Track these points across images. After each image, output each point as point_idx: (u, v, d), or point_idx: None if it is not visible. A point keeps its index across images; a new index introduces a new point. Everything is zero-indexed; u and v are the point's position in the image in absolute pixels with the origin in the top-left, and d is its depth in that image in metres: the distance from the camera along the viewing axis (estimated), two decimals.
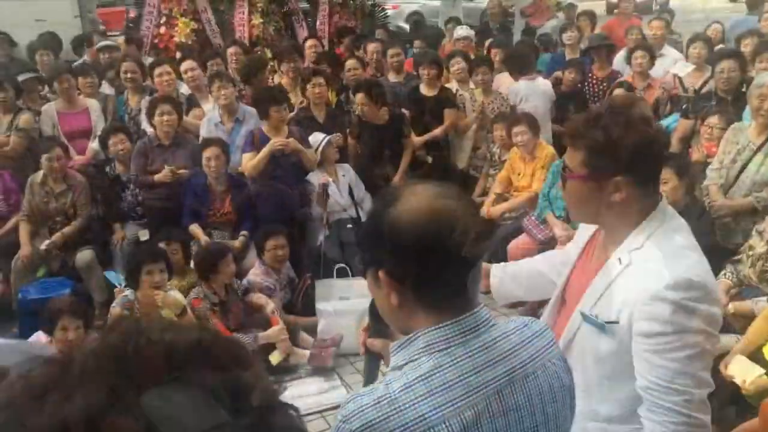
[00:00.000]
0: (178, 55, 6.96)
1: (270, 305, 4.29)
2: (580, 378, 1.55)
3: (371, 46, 6.83)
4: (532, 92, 6.08)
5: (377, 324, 1.43)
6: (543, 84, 6.25)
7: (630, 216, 1.65)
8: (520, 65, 6.31)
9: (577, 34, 7.54)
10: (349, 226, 5.06)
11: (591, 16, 8.66)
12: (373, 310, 1.39)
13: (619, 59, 7.11)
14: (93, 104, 5.70)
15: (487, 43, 7.67)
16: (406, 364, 1.19)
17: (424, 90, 5.90)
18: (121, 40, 7.06)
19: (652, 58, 6.13)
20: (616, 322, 1.61)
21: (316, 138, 5.11)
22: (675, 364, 1.52)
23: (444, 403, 1.13)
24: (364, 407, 1.14)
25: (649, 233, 1.63)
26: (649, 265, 1.59)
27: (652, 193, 1.67)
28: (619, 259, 1.65)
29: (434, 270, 1.17)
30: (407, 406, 1.12)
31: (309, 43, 7.04)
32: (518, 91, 6.11)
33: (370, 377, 1.52)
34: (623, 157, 1.57)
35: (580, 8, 9.70)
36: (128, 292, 3.91)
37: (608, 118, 1.60)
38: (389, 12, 10.41)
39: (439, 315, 1.19)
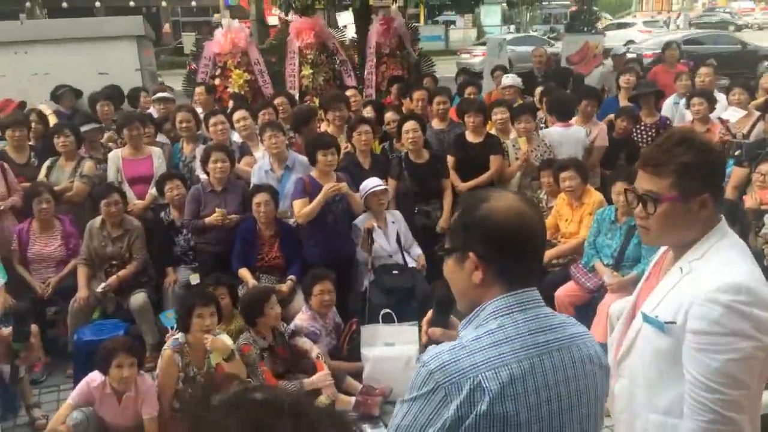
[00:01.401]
0: (230, 104, 7.22)
1: (315, 350, 4.31)
2: (641, 373, 1.84)
3: (417, 94, 6.98)
4: (565, 139, 6.13)
5: (439, 315, 1.74)
6: (576, 131, 6.27)
7: (699, 230, 1.80)
8: (562, 111, 6.37)
9: (634, 78, 7.55)
10: (395, 272, 5.07)
11: (639, 62, 8.68)
12: (440, 302, 1.73)
13: (667, 105, 7.10)
14: (156, 152, 5.93)
15: (538, 91, 7.72)
16: (476, 328, 1.46)
17: (470, 137, 5.97)
18: (200, 89, 7.36)
19: (711, 103, 6.11)
20: (674, 322, 1.75)
21: (367, 185, 5.19)
22: (716, 364, 1.65)
23: (507, 351, 1.40)
24: (440, 352, 1.41)
25: (709, 246, 1.79)
26: (707, 272, 1.74)
27: (719, 209, 1.83)
28: (681, 268, 1.81)
29: (515, 254, 1.46)
30: (476, 351, 1.40)
31: (349, 92, 7.26)
32: (551, 136, 6.15)
33: None
34: (709, 175, 1.77)
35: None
36: (179, 335, 4.00)
37: (690, 142, 1.77)
38: (477, 59, 10.61)
39: (508, 288, 1.47)
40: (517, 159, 5.96)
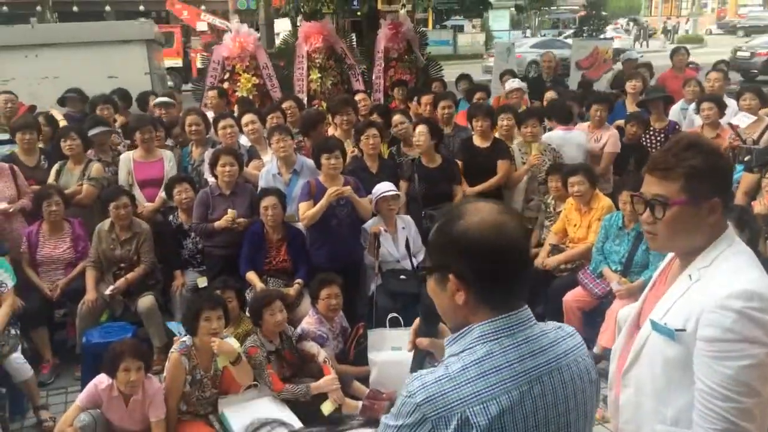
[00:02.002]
0: (236, 108, 7.24)
1: (322, 354, 4.31)
2: (649, 382, 1.80)
3: (425, 98, 6.98)
4: (565, 142, 6.17)
5: (426, 326, 1.70)
6: (578, 135, 6.29)
7: (707, 236, 1.79)
8: (560, 115, 6.45)
9: (641, 83, 7.54)
10: (403, 277, 5.06)
11: (649, 67, 8.65)
12: (425, 312, 1.67)
13: (674, 111, 7.08)
14: (168, 155, 5.96)
15: (548, 95, 7.70)
16: (462, 351, 1.40)
17: (477, 141, 5.96)
18: (212, 93, 7.40)
19: (721, 109, 6.08)
20: (683, 330, 1.72)
21: (378, 189, 5.19)
22: (730, 372, 1.62)
23: (494, 383, 1.34)
24: (426, 383, 1.35)
25: (717, 253, 1.77)
26: (716, 279, 1.72)
27: (727, 215, 1.82)
28: (690, 276, 1.79)
29: (496, 273, 1.39)
30: (464, 383, 1.34)
31: (358, 96, 7.28)
32: (552, 140, 6.17)
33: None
34: (718, 180, 1.76)
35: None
36: (186, 337, 4.00)
37: (699, 147, 1.76)
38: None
39: (495, 311, 1.41)
40: (524, 163, 5.95)
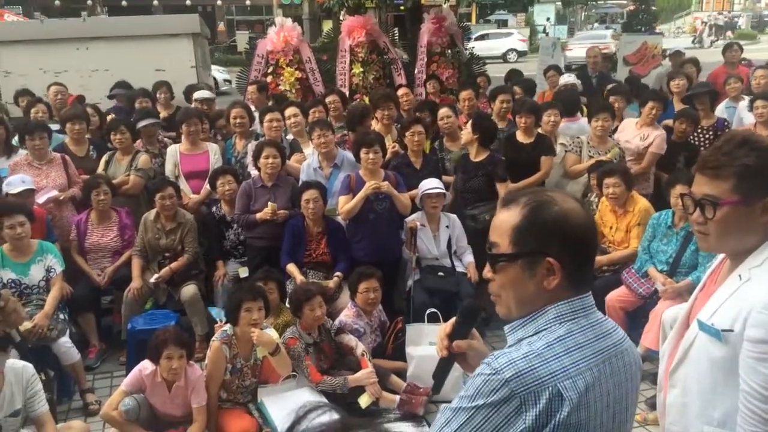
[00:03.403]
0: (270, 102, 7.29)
1: (360, 347, 4.33)
2: (695, 383, 1.77)
3: (464, 93, 6.90)
4: (571, 133, 6.19)
5: (464, 326, 1.62)
6: (582, 126, 6.30)
7: (759, 236, 1.73)
8: (566, 106, 6.46)
9: (685, 82, 7.31)
10: (441, 274, 5.04)
11: (695, 63, 8.38)
12: (467, 313, 1.63)
13: (719, 110, 6.87)
14: (213, 147, 6.06)
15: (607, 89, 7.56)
16: (537, 332, 1.42)
17: (521, 137, 5.88)
18: (252, 88, 7.49)
19: None
20: (731, 330, 1.68)
21: (423, 185, 5.17)
22: None
23: (579, 359, 1.38)
24: (514, 359, 1.35)
25: None
26: (766, 279, 1.67)
27: None
28: (740, 276, 1.74)
29: (587, 255, 1.47)
30: (551, 358, 1.36)
31: (401, 91, 7.23)
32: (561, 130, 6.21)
33: (440, 382, 1.62)
34: None
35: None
36: (227, 327, 4.07)
37: (752, 145, 1.70)
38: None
39: (576, 293, 1.45)
40: (591, 158, 5.80)
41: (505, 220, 1.46)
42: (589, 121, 6.04)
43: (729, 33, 33.89)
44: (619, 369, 1.44)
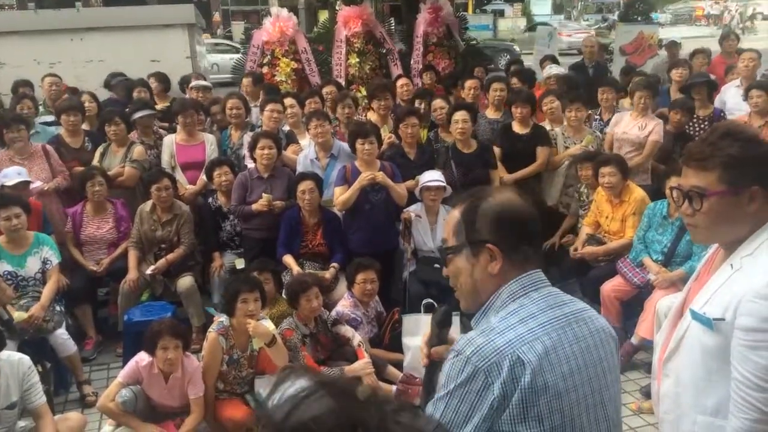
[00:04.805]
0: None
1: (356, 338, 4.34)
2: (689, 372, 1.80)
3: (469, 83, 6.87)
4: None
5: (440, 331, 1.76)
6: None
7: (749, 226, 1.75)
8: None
9: (687, 71, 7.28)
10: (437, 266, 5.05)
11: (707, 54, 8.26)
12: (438, 318, 1.76)
13: (718, 98, 6.87)
14: (210, 138, 6.04)
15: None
16: (497, 313, 1.52)
17: (517, 128, 5.88)
18: (246, 80, 7.44)
19: None
20: (723, 319, 1.71)
21: (423, 178, 5.17)
22: (764, 362, 1.62)
23: (534, 327, 1.46)
24: (471, 338, 1.45)
25: (760, 242, 1.74)
26: (757, 268, 1.70)
27: None
28: (731, 265, 1.77)
29: (524, 237, 1.56)
30: (506, 329, 1.46)
31: (401, 81, 7.19)
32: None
33: (430, 387, 1.68)
34: (757, 168, 1.72)
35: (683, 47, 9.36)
36: (224, 318, 4.07)
37: (736, 135, 1.74)
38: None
39: (522, 272, 1.54)
40: (567, 148, 5.84)
41: (450, 218, 1.64)
42: (563, 110, 6.05)
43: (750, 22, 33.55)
44: (584, 335, 1.51)
